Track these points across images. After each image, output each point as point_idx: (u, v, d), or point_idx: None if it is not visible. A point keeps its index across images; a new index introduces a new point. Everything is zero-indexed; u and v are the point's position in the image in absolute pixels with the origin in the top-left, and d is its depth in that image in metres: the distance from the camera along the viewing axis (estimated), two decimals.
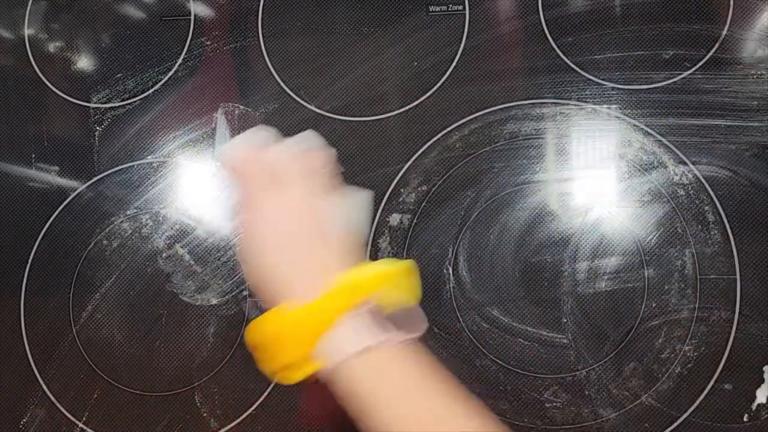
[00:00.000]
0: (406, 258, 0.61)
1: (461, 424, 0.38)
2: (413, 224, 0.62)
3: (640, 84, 0.62)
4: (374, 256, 0.61)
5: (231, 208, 0.45)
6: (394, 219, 0.62)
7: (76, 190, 0.66)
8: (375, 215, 0.62)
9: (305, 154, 0.45)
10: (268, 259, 0.41)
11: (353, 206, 0.45)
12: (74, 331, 0.64)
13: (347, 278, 0.40)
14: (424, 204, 0.62)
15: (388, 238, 0.62)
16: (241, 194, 0.44)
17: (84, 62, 0.70)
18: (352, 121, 0.64)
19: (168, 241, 0.65)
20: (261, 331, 0.41)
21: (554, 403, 0.57)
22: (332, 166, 0.46)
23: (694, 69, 0.61)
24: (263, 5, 0.68)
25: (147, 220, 0.65)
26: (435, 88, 0.64)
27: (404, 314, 0.42)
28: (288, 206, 0.43)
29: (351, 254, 0.42)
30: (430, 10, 0.66)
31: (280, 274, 0.41)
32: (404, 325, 0.41)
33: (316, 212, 0.42)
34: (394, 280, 0.41)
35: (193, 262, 0.64)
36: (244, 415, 0.60)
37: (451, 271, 0.60)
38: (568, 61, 0.63)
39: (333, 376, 0.39)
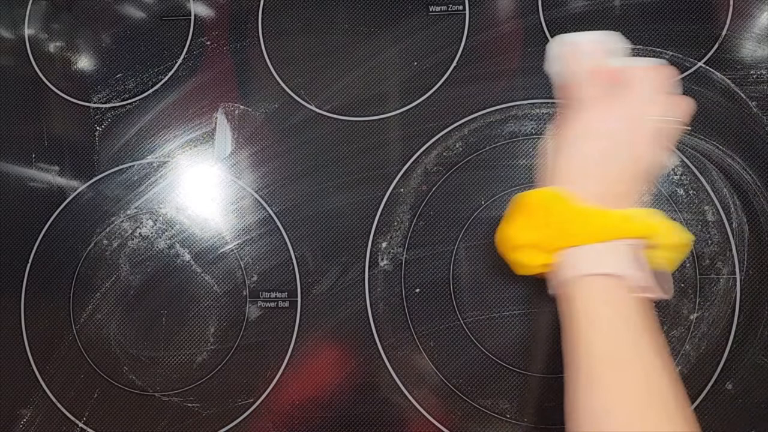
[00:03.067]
0: (405, 258, 0.61)
1: (661, 385, 0.36)
2: (413, 224, 0.62)
3: None
4: (374, 255, 0.61)
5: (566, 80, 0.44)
6: (394, 219, 0.62)
7: (76, 190, 0.66)
8: (375, 215, 0.62)
9: (658, 73, 0.44)
10: (580, 155, 0.41)
11: (668, 158, 0.45)
12: (74, 331, 0.64)
13: (636, 212, 0.40)
14: (424, 204, 0.62)
15: (388, 238, 0.62)
16: (575, 88, 0.43)
17: (84, 62, 0.70)
18: (352, 121, 0.64)
19: (168, 241, 0.65)
20: (538, 200, 0.40)
21: (554, 403, 0.57)
22: (683, 117, 0.44)
23: (694, 69, 0.61)
24: (263, 5, 0.68)
25: (147, 220, 0.65)
26: (435, 88, 0.64)
27: (661, 275, 0.41)
28: (624, 123, 0.41)
29: (644, 197, 0.42)
30: (430, 10, 0.66)
31: (588, 170, 0.41)
32: (657, 282, 0.40)
33: (644, 143, 0.41)
34: (671, 240, 0.40)
35: (193, 262, 0.64)
36: (244, 415, 0.60)
37: (451, 271, 0.60)
38: None
39: (569, 286, 0.39)
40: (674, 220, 0.58)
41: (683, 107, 0.43)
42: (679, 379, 0.36)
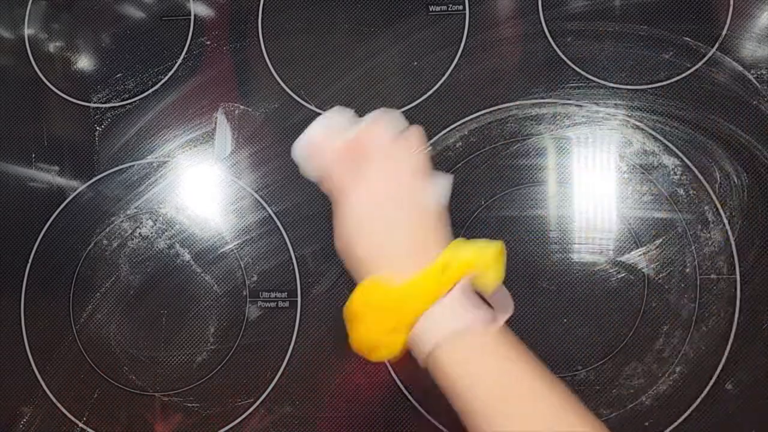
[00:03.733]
0: None
1: (557, 405, 0.38)
2: None
3: (640, 84, 0.62)
4: None
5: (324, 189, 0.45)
6: None
7: (76, 190, 0.66)
8: None
9: (396, 133, 0.44)
10: (366, 239, 0.42)
11: (441, 185, 0.45)
12: (74, 331, 0.64)
13: (446, 257, 0.40)
14: None
15: None
16: (328, 180, 0.44)
17: (84, 62, 0.70)
18: None
19: (168, 241, 0.65)
20: (363, 301, 0.41)
21: None
22: (421, 143, 0.45)
23: (694, 69, 0.61)
24: (263, 5, 0.68)
25: (147, 220, 0.65)
26: (435, 88, 0.64)
27: (496, 295, 0.41)
28: (381, 186, 0.42)
29: (444, 232, 0.43)
30: (430, 10, 0.66)
31: (379, 252, 0.41)
32: (496, 305, 0.41)
33: (409, 191, 0.42)
34: (488, 260, 0.41)
35: (193, 262, 0.64)
36: (244, 415, 0.60)
37: None
38: (568, 61, 0.63)
39: (430, 356, 0.39)
40: (674, 220, 0.58)
41: (415, 136, 0.44)
42: (566, 391, 0.38)
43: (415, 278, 0.39)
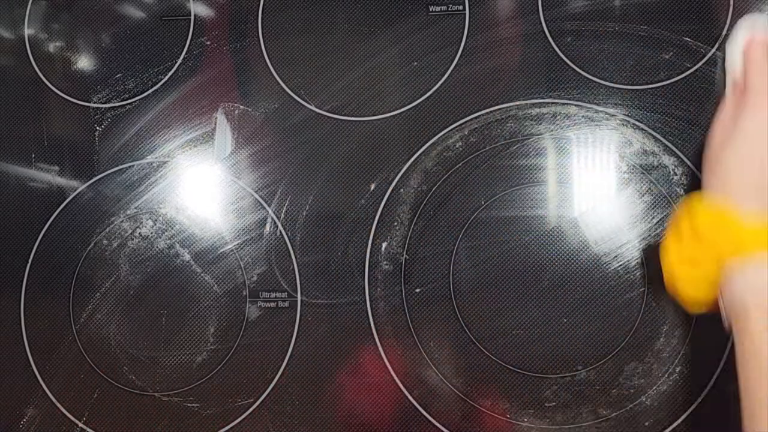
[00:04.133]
0: (405, 258, 0.61)
1: None
2: (413, 224, 0.62)
3: (640, 84, 0.62)
4: (374, 255, 0.61)
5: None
6: (394, 219, 0.62)
7: (76, 190, 0.66)
8: (375, 215, 0.62)
9: None
10: (740, 157, 0.38)
11: None
12: (74, 331, 0.64)
13: None
14: (424, 204, 0.62)
15: (388, 238, 0.62)
16: (750, 82, 0.40)
17: (84, 62, 0.70)
18: (352, 120, 0.64)
19: (168, 241, 0.65)
20: (690, 221, 0.38)
21: (554, 403, 0.57)
22: None
23: (694, 69, 0.61)
24: (263, 5, 0.68)
25: (147, 220, 0.65)
26: (435, 88, 0.64)
27: None
28: None
29: None
30: (430, 10, 0.66)
31: (744, 177, 0.38)
32: None
33: None
34: None
35: (193, 262, 0.64)
36: (244, 415, 0.60)
37: (451, 271, 0.60)
38: (568, 61, 0.63)
39: (740, 317, 0.36)
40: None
41: None
42: None
43: (751, 221, 0.36)
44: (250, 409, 0.60)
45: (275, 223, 0.63)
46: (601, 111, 0.62)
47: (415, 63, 0.65)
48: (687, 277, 0.38)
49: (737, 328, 0.37)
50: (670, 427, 0.56)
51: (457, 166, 0.62)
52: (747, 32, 0.44)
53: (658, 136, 0.60)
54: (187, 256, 0.64)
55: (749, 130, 0.39)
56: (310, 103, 0.66)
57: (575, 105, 0.62)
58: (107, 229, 0.66)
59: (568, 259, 0.59)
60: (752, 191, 0.38)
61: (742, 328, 0.36)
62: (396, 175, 0.63)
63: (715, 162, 0.40)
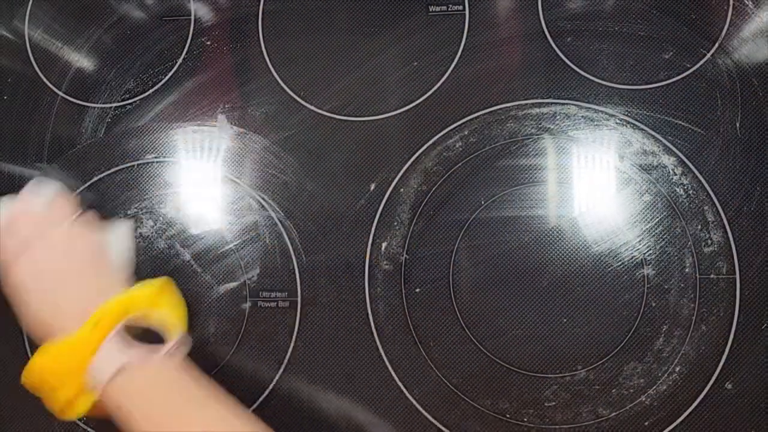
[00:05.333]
0: (405, 258, 0.61)
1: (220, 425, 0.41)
2: (413, 224, 0.62)
3: (640, 84, 0.62)
4: (374, 255, 0.61)
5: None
6: (394, 219, 0.62)
7: (76, 190, 0.66)
8: (375, 215, 0.62)
9: (48, 206, 0.49)
10: (35, 299, 0.45)
11: (114, 238, 0.50)
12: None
13: (104, 307, 0.43)
14: (424, 204, 0.62)
15: (388, 238, 0.62)
16: (11, 248, 0.47)
17: (84, 62, 0.70)
18: (352, 121, 0.65)
19: (168, 241, 0.65)
20: (35, 371, 0.44)
21: (554, 403, 0.57)
22: (76, 209, 0.50)
23: (694, 69, 0.61)
24: (263, 5, 0.68)
25: (147, 220, 0.65)
26: (435, 88, 0.64)
27: (163, 330, 0.45)
28: (51, 248, 0.46)
29: (116, 284, 0.46)
30: (430, 10, 0.66)
31: (49, 312, 0.44)
32: (164, 340, 0.45)
33: (80, 250, 0.46)
34: (148, 300, 0.45)
35: (193, 262, 0.64)
36: None
37: (451, 271, 0.60)
38: (568, 61, 0.63)
39: (106, 400, 0.42)
40: (674, 220, 0.58)
41: (64, 203, 0.50)
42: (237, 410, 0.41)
43: (70, 338, 0.42)
44: (250, 409, 0.60)
45: (275, 223, 0.63)
46: (601, 111, 0.62)
47: (415, 63, 0.65)
48: (72, 403, 0.44)
49: (110, 411, 0.43)
50: (670, 427, 0.56)
51: (457, 166, 0.62)
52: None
53: (658, 136, 0.60)
54: (187, 256, 0.64)
55: (24, 282, 0.47)
56: (310, 103, 0.66)
57: (575, 105, 0.62)
58: None
59: (568, 259, 0.59)
60: (57, 318, 0.45)
61: (110, 408, 0.43)
62: (396, 175, 0.63)
63: (26, 320, 0.47)
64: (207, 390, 0.43)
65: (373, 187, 0.63)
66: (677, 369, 0.57)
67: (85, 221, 0.49)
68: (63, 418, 0.45)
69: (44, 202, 0.49)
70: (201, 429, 0.40)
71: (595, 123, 0.62)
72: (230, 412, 0.42)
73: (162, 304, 0.46)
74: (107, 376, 0.41)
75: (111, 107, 0.68)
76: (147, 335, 0.46)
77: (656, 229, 0.59)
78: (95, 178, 0.67)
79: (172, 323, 0.46)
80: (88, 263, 0.46)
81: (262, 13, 0.68)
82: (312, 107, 0.65)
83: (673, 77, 0.62)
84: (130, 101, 0.68)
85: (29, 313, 0.46)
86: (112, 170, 0.67)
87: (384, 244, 0.62)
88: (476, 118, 0.63)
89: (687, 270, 0.58)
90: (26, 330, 0.47)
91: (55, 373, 0.43)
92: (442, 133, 0.63)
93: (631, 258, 0.59)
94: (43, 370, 0.44)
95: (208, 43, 0.68)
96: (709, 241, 0.58)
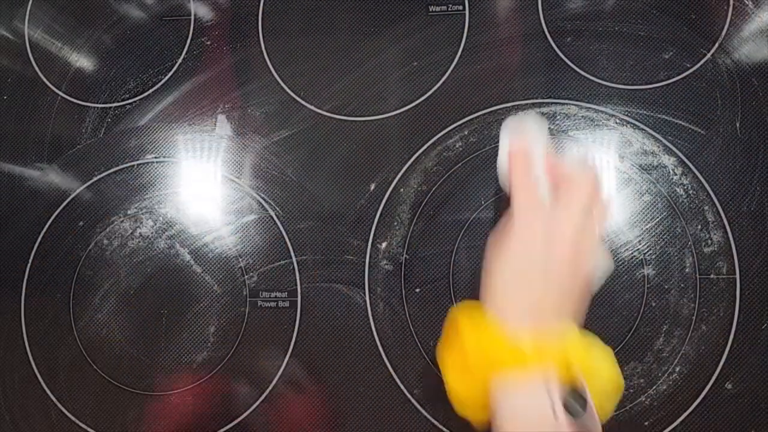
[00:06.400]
0: (405, 258, 0.61)
1: None
2: (413, 224, 0.62)
3: (640, 84, 0.62)
4: (374, 255, 0.61)
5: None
6: (394, 219, 0.62)
7: (76, 190, 0.66)
8: (375, 215, 0.62)
9: (592, 179, 0.42)
10: (509, 274, 0.40)
11: (603, 256, 0.43)
12: (74, 331, 0.64)
13: (573, 342, 0.37)
14: (424, 204, 0.62)
15: (388, 238, 0.62)
16: (515, 198, 0.42)
17: (84, 62, 0.70)
18: (352, 120, 0.65)
19: (168, 241, 0.65)
20: (474, 335, 0.39)
21: None
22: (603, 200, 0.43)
23: (694, 69, 0.61)
24: (263, 5, 0.68)
25: (147, 220, 0.65)
26: (435, 87, 0.64)
27: (588, 414, 0.39)
28: (554, 232, 0.40)
29: (580, 302, 0.41)
30: (430, 10, 0.66)
31: (513, 294, 0.39)
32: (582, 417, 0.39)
33: (576, 249, 0.40)
34: (602, 374, 0.39)
35: (193, 262, 0.64)
36: (244, 415, 0.60)
37: (451, 271, 0.60)
38: (568, 61, 0.63)
39: (500, 418, 0.38)
40: (674, 220, 0.58)
41: (610, 209, 0.43)
42: None
43: (507, 340, 0.37)
44: (250, 409, 0.60)
45: (275, 223, 0.63)
46: (601, 111, 0.62)
47: (415, 63, 0.65)
48: (464, 387, 0.40)
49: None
50: (670, 427, 0.56)
51: (457, 166, 0.62)
52: (510, 138, 0.43)
53: (658, 136, 0.60)
54: (187, 256, 0.64)
55: (516, 249, 0.40)
56: (310, 103, 0.66)
57: (575, 105, 0.62)
58: (107, 229, 0.66)
59: None
60: (520, 310, 0.39)
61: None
62: (396, 175, 0.63)
63: (489, 274, 0.41)
64: None
65: (373, 187, 0.63)
66: (677, 369, 0.57)
67: (600, 216, 0.42)
68: (463, 413, 0.40)
69: (593, 173, 0.42)
70: None
71: (595, 123, 0.62)
72: None
73: (607, 388, 0.40)
74: (522, 416, 0.37)
75: (111, 107, 0.68)
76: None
77: (656, 229, 0.59)
78: (95, 178, 0.67)
79: (593, 410, 0.39)
80: (580, 268, 0.40)
81: (262, 13, 0.68)
82: (312, 107, 0.65)
83: (673, 77, 0.62)
84: (130, 101, 0.68)
85: (499, 274, 0.40)
86: (112, 170, 0.67)
87: (384, 244, 0.62)
88: (476, 118, 0.63)
89: (687, 270, 0.58)
90: (483, 287, 0.41)
91: (482, 354, 0.38)
92: (442, 133, 0.63)
93: (631, 258, 0.59)
94: (474, 347, 0.39)
95: (208, 43, 0.68)
96: (709, 241, 0.58)
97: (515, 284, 0.40)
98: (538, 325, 0.38)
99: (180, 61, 0.68)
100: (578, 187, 0.41)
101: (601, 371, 0.39)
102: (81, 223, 0.66)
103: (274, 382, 0.60)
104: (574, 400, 0.38)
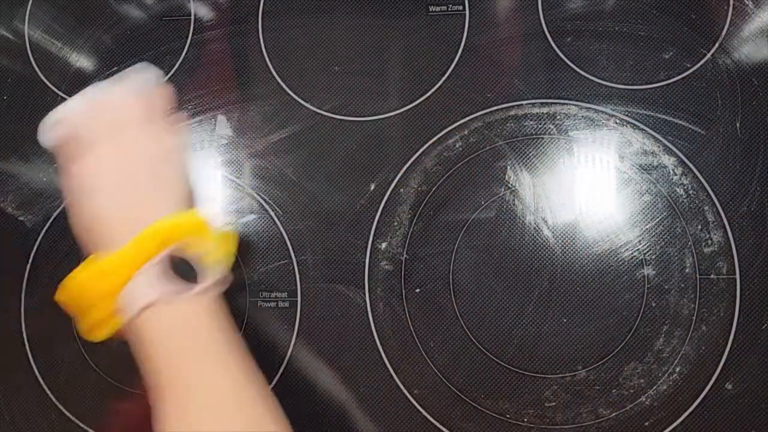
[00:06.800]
0: (405, 258, 0.61)
1: (228, 383, 0.38)
2: (413, 224, 0.62)
3: (640, 84, 0.62)
4: (374, 255, 0.61)
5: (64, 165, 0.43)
6: (394, 219, 0.62)
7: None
8: (375, 215, 0.62)
9: (144, 95, 0.43)
10: (94, 205, 0.40)
11: (187, 146, 0.44)
12: (74, 331, 0.64)
13: (153, 227, 0.39)
14: (424, 204, 0.62)
15: (388, 238, 0.62)
16: (77, 145, 0.42)
17: (84, 62, 0.70)
18: (352, 120, 0.64)
19: None
20: (72, 287, 0.40)
21: (554, 403, 0.57)
22: (170, 102, 0.44)
23: (694, 69, 0.61)
24: (263, 5, 0.68)
25: None
26: (435, 88, 0.64)
27: (202, 265, 0.41)
28: (123, 151, 0.41)
29: (176, 203, 0.41)
30: (430, 10, 0.66)
31: (102, 218, 0.40)
32: (204, 278, 0.40)
33: (151, 157, 0.41)
34: (196, 228, 0.40)
35: None
36: None
37: (451, 271, 0.60)
38: (568, 61, 0.63)
39: (129, 330, 0.39)
40: (674, 220, 0.58)
41: (163, 98, 0.44)
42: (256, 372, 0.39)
43: (112, 256, 0.38)
44: None
45: (275, 223, 0.63)
46: (601, 111, 0.62)
47: (415, 63, 0.65)
48: (103, 321, 0.41)
49: (137, 348, 0.40)
50: (670, 427, 0.56)
51: (457, 166, 0.62)
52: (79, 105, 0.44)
53: (658, 136, 0.60)
54: None
55: (87, 174, 0.41)
56: (310, 103, 0.66)
57: (575, 105, 0.62)
58: None
59: (568, 259, 0.59)
60: (114, 221, 0.40)
61: (134, 338, 0.40)
62: (396, 175, 0.63)
63: (78, 213, 0.41)
64: (228, 342, 0.40)
65: (373, 187, 0.63)
66: (677, 369, 0.57)
67: (169, 123, 0.44)
68: (89, 339, 0.42)
69: (140, 90, 0.43)
70: (210, 381, 0.37)
71: (596, 123, 0.62)
72: (243, 372, 0.39)
73: (209, 235, 0.41)
74: (136, 307, 0.38)
75: None
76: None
77: (656, 229, 0.59)
78: None
79: (214, 260, 0.41)
80: (158, 173, 0.41)
81: (262, 13, 0.68)
82: (312, 107, 0.65)
83: (674, 77, 0.62)
84: None
85: (82, 215, 0.40)
86: None
87: (384, 244, 0.62)
88: (476, 118, 0.63)
89: (687, 270, 0.58)
90: (76, 234, 0.42)
91: (89, 292, 0.40)
92: (442, 133, 0.63)
93: (631, 258, 0.59)
94: (80, 288, 0.40)
95: (208, 43, 0.68)
96: (709, 241, 0.58)
97: (93, 215, 0.41)
98: (129, 231, 0.39)
99: (180, 61, 0.68)
100: (129, 111, 0.43)
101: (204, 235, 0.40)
102: None
103: (274, 382, 0.60)
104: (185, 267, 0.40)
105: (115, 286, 0.38)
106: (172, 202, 0.41)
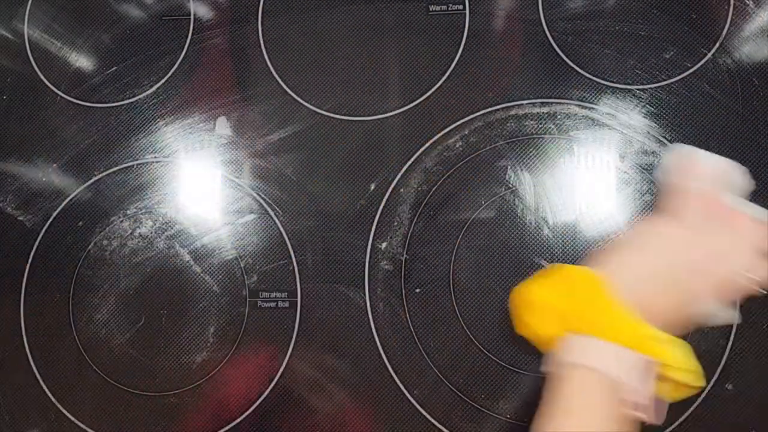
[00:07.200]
0: (405, 258, 0.61)
1: None
2: (413, 224, 0.62)
3: (641, 84, 0.62)
4: (374, 255, 0.61)
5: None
6: (394, 219, 0.62)
7: (75, 190, 0.66)
8: (375, 215, 0.62)
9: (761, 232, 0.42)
10: (651, 260, 0.40)
11: (729, 306, 0.43)
12: (74, 331, 0.64)
13: (669, 339, 0.38)
14: (424, 204, 0.62)
15: (388, 238, 0.62)
16: (686, 205, 0.42)
17: (84, 62, 0.70)
18: (352, 120, 0.64)
19: (168, 241, 0.65)
20: (591, 283, 0.39)
21: None
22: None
23: (694, 69, 0.61)
24: (263, 5, 0.68)
25: (147, 220, 0.65)
26: (435, 88, 0.64)
27: (659, 402, 0.40)
28: (709, 253, 0.41)
29: (683, 328, 0.41)
30: (430, 10, 0.66)
31: (642, 280, 0.40)
32: (653, 407, 0.39)
33: (717, 279, 0.41)
34: (686, 378, 0.39)
35: (192, 262, 0.64)
36: (244, 415, 0.60)
37: (451, 271, 0.60)
38: (568, 61, 0.63)
39: (566, 368, 0.39)
40: None
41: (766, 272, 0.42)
42: None
43: (630, 314, 0.38)
44: (250, 409, 0.60)
45: (275, 223, 0.63)
46: (601, 111, 0.62)
47: (415, 63, 0.65)
48: (541, 309, 0.41)
49: (553, 383, 0.40)
50: (670, 428, 0.56)
51: (457, 166, 0.62)
52: (690, 162, 0.44)
53: (658, 136, 0.60)
54: (187, 256, 0.64)
55: (656, 249, 0.41)
56: (310, 103, 0.65)
57: (575, 105, 0.62)
58: (107, 229, 0.66)
59: (568, 259, 0.59)
60: (639, 291, 0.40)
61: (557, 388, 0.39)
62: (396, 175, 0.63)
63: (627, 251, 0.41)
64: None
65: (373, 187, 0.63)
66: None
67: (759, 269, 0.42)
68: (517, 327, 0.42)
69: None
70: None
71: (596, 123, 0.61)
72: None
73: (686, 385, 0.40)
74: (598, 365, 0.37)
75: (110, 107, 0.68)
76: None
77: None
78: (95, 178, 0.67)
79: (665, 404, 0.41)
80: (696, 282, 0.40)
81: (262, 13, 0.68)
82: (312, 107, 0.65)
83: (674, 77, 0.62)
84: (129, 101, 0.68)
85: (628, 256, 0.40)
86: (112, 170, 0.67)
87: (384, 244, 0.62)
88: (476, 118, 0.63)
89: None
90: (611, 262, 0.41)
91: (575, 305, 0.39)
92: (442, 133, 0.63)
93: None
94: (575, 291, 0.39)
95: (208, 42, 0.68)
96: None
97: (644, 275, 0.40)
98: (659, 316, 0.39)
99: (180, 60, 0.68)
100: (747, 231, 0.42)
101: (680, 363, 0.39)
102: (80, 223, 0.66)
103: (274, 382, 0.60)
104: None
105: (583, 318, 0.38)
106: (681, 316, 0.41)
